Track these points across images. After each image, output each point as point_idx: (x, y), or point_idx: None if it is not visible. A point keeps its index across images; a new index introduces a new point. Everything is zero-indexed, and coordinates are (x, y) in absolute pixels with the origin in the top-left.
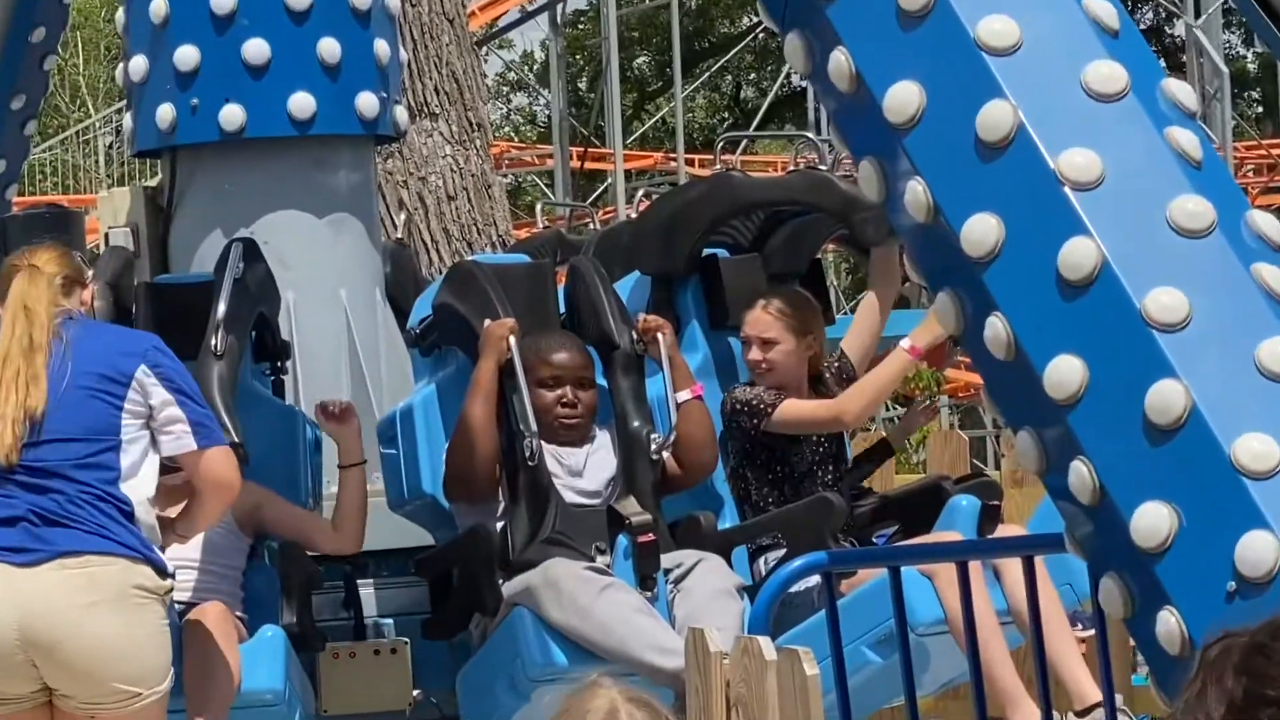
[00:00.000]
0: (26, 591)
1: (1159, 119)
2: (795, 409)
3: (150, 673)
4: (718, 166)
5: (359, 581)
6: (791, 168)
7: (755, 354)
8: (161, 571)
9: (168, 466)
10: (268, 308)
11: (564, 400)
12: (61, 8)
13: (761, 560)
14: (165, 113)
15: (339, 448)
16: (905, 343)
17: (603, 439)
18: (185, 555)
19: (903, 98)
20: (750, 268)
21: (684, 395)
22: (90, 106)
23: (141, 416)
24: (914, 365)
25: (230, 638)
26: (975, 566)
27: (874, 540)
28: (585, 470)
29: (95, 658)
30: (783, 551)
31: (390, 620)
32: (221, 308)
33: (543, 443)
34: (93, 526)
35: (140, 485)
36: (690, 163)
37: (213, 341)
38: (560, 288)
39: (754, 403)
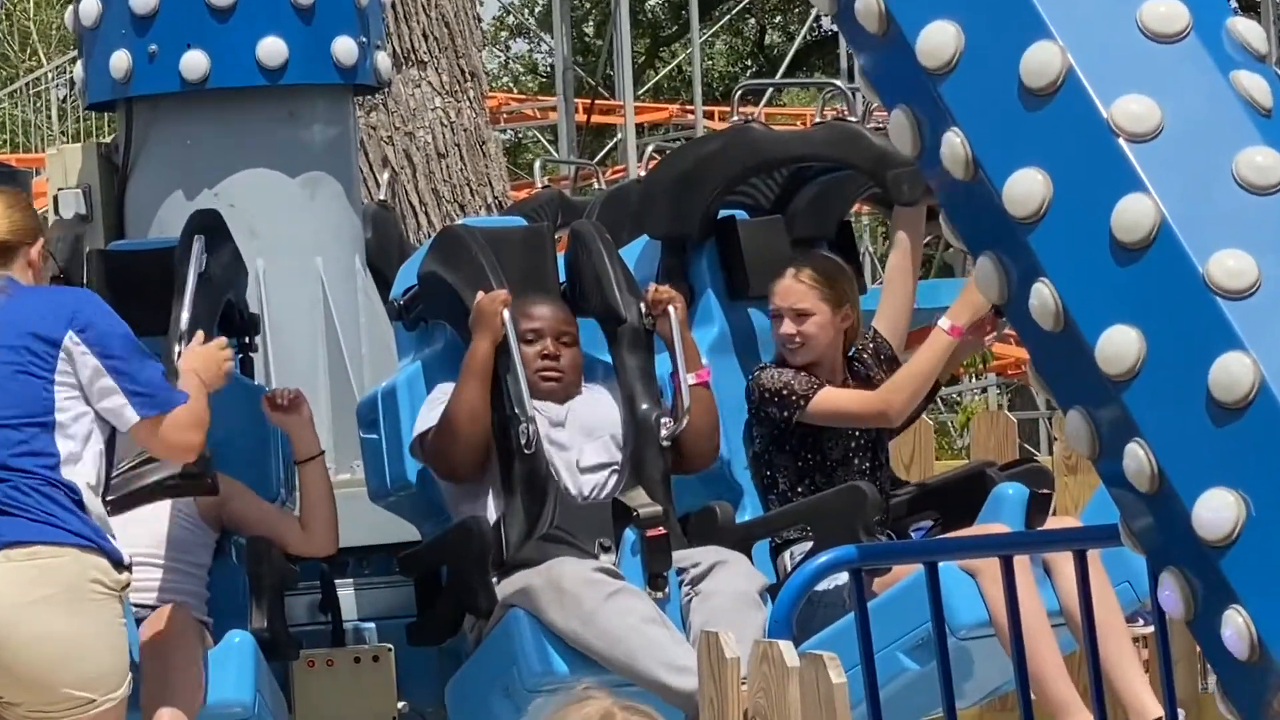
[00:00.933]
0: None
1: (1224, 62)
2: (833, 401)
3: (105, 676)
4: (737, 119)
5: (337, 581)
6: (818, 120)
7: (788, 328)
8: (118, 564)
9: None
10: (235, 292)
11: (545, 353)
12: None
13: (786, 555)
14: (120, 60)
15: (292, 442)
16: (944, 322)
17: (597, 391)
18: (144, 551)
19: (938, 39)
20: (772, 231)
21: (690, 379)
22: (41, 55)
23: (73, 390)
24: (954, 344)
25: (193, 644)
26: (1022, 562)
27: (911, 533)
28: (568, 420)
29: (44, 660)
30: (809, 545)
31: (372, 624)
32: (185, 314)
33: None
34: (39, 514)
35: (82, 470)
36: (709, 115)
37: (175, 350)
38: (560, 255)
39: (784, 393)
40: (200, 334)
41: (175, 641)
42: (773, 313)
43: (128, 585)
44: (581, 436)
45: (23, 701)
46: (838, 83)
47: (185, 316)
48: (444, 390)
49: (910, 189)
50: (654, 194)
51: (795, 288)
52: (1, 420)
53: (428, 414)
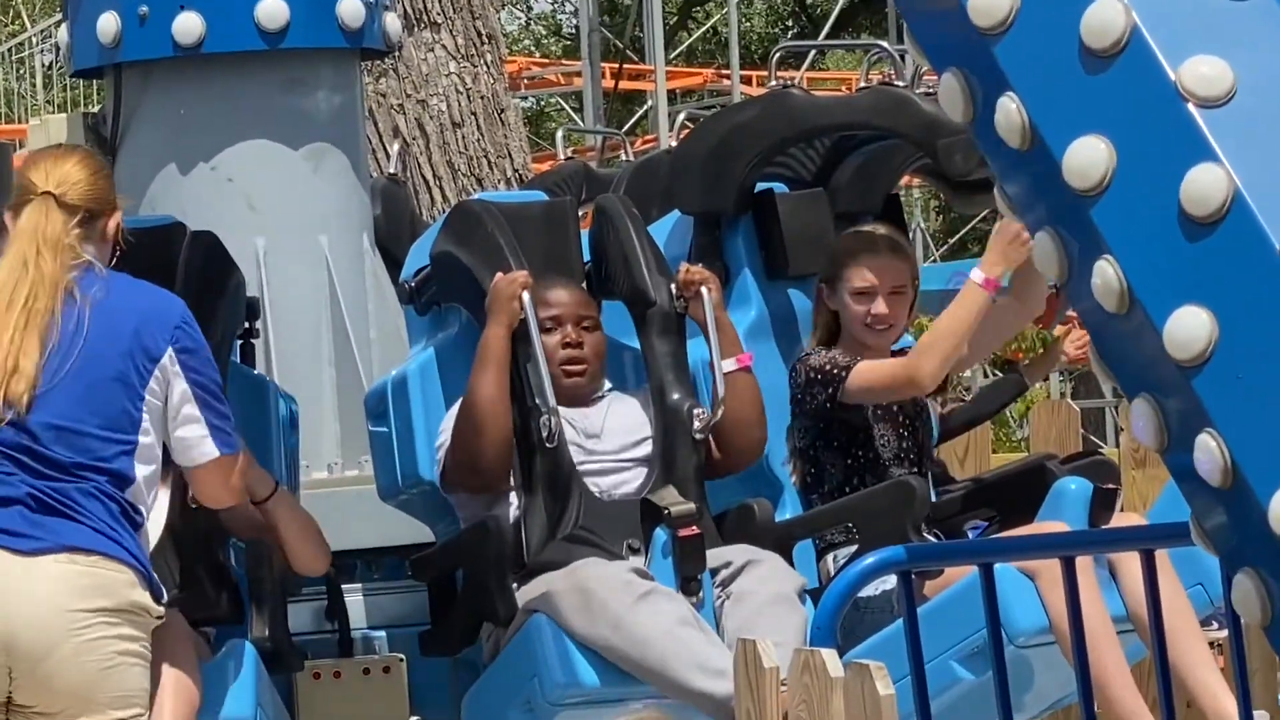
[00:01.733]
0: (19, 585)
1: None
2: (869, 371)
3: (138, 694)
4: (775, 84)
5: (344, 586)
6: (863, 84)
7: (881, 307)
8: (159, 599)
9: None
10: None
11: (566, 341)
12: None
13: (830, 558)
14: (108, 23)
15: None
16: (976, 274)
17: (626, 400)
18: None
19: None
20: (814, 206)
21: (730, 365)
22: (25, 18)
23: (156, 411)
24: (989, 301)
25: (188, 654)
26: (1085, 563)
27: (966, 533)
28: (604, 431)
29: (88, 672)
30: (854, 548)
31: (382, 633)
32: None
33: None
34: (106, 528)
35: (142, 495)
36: (746, 80)
37: None
38: (585, 232)
39: (828, 367)
40: None
41: (169, 651)
42: (861, 291)
43: (162, 618)
44: (615, 438)
45: (59, 711)
46: (884, 44)
47: None
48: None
49: (964, 160)
50: (686, 166)
51: (897, 265)
52: (89, 426)
53: (448, 425)
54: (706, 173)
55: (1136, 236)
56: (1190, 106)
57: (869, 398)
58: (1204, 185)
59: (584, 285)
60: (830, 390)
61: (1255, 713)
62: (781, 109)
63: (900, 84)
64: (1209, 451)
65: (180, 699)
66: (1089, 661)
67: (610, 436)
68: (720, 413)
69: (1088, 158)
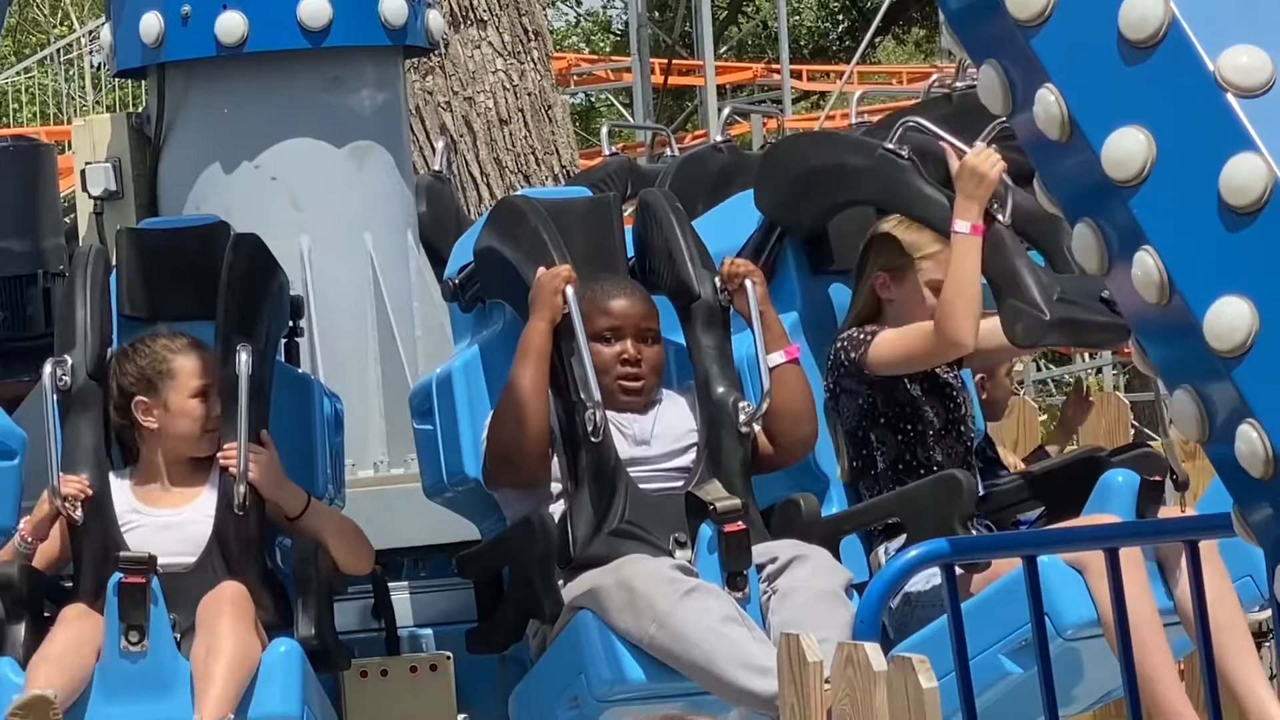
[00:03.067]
0: None
1: None
2: (895, 337)
3: None
4: (894, 142)
5: (391, 584)
6: (933, 82)
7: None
8: None
9: None
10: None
11: (625, 357)
12: None
13: (881, 550)
14: (150, 23)
15: (277, 503)
16: (959, 224)
17: (675, 400)
18: (181, 555)
19: None
20: None
21: (777, 358)
22: (74, 19)
23: None
24: (981, 243)
25: (248, 618)
26: (1132, 555)
27: (1015, 525)
28: (653, 437)
29: None
30: (902, 539)
31: (429, 630)
32: (242, 426)
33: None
34: None
35: None
36: (796, 75)
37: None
38: (629, 228)
39: (853, 334)
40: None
41: (231, 621)
42: (934, 282)
43: None
44: (664, 443)
45: None
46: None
47: (243, 423)
48: None
49: (1024, 331)
50: (778, 171)
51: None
52: None
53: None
54: (794, 191)
55: (1176, 227)
56: (1229, 96)
57: (904, 366)
58: (1243, 175)
59: (644, 291)
60: (851, 356)
61: None
62: (891, 176)
63: (959, 85)
64: (1250, 442)
65: (231, 681)
66: (1134, 654)
67: (659, 441)
68: (765, 405)
69: (1127, 148)
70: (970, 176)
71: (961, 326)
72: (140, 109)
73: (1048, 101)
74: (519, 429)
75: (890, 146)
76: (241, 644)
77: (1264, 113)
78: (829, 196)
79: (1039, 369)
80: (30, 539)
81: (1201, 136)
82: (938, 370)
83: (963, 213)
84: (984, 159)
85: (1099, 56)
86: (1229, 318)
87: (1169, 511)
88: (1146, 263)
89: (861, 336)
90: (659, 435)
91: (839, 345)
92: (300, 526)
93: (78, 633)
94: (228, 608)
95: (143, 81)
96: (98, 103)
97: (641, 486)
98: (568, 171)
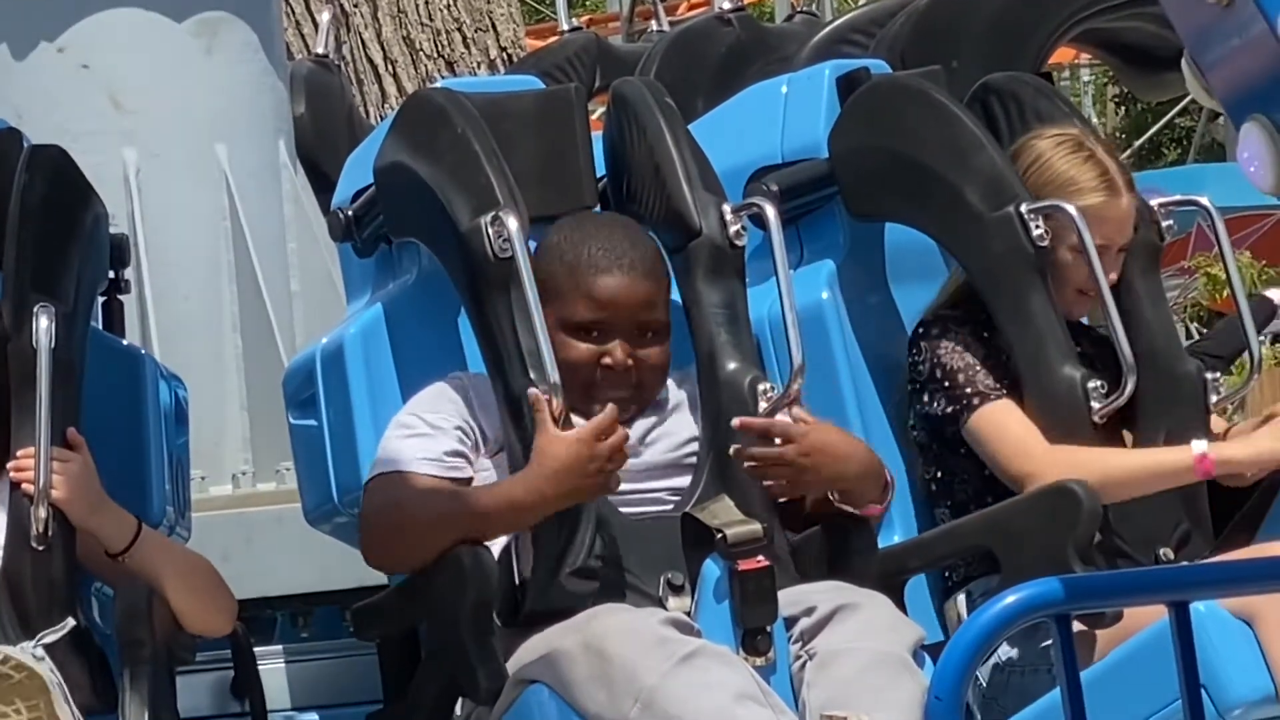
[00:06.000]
0: None
1: None
2: (995, 424)
3: None
4: None
5: (258, 649)
6: None
7: (1109, 265)
8: None
9: None
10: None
11: (608, 363)
12: None
13: (961, 597)
14: None
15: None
16: (1200, 446)
17: (673, 394)
18: None
19: None
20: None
21: None
22: None
23: None
24: (1192, 475)
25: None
26: None
27: (1156, 560)
28: (643, 445)
29: None
30: (994, 583)
31: (314, 716)
32: (43, 414)
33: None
34: None
35: None
36: None
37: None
38: (597, 134)
39: (963, 385)
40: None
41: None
42: (1076, 248)
43: None
44: (657, 449)
45: None
46: None
47: (44, 419)
48: (428, 409)
49: None
50: (880, 128)
51: (1127, 209)
52: None
53: (394, 444)
54: (883, 176)
55: None
56: None
57: (977, 450)
58: None
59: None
60: (952, 410)
61: None
62: (1000, 246)
63: None
64: None
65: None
66: None
67: (650, 449)
68: (797, 386)
69: None
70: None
71: (1050, 479)
72: None
73: None
74: (415, 550)
75: (1022, 213)
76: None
77: None
78: (918, 216)
79: (1189, 335)
80: None
81: None
82: None
83: (1221, 450)
84: None
85: None
86: None
87: None
88: None
89: (970, 398)
90: (650, 442)
91: (947, 365)
92: (126, 566)
93: None
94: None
95: None
96: None
97: (621, 510)
98: (508, 55)
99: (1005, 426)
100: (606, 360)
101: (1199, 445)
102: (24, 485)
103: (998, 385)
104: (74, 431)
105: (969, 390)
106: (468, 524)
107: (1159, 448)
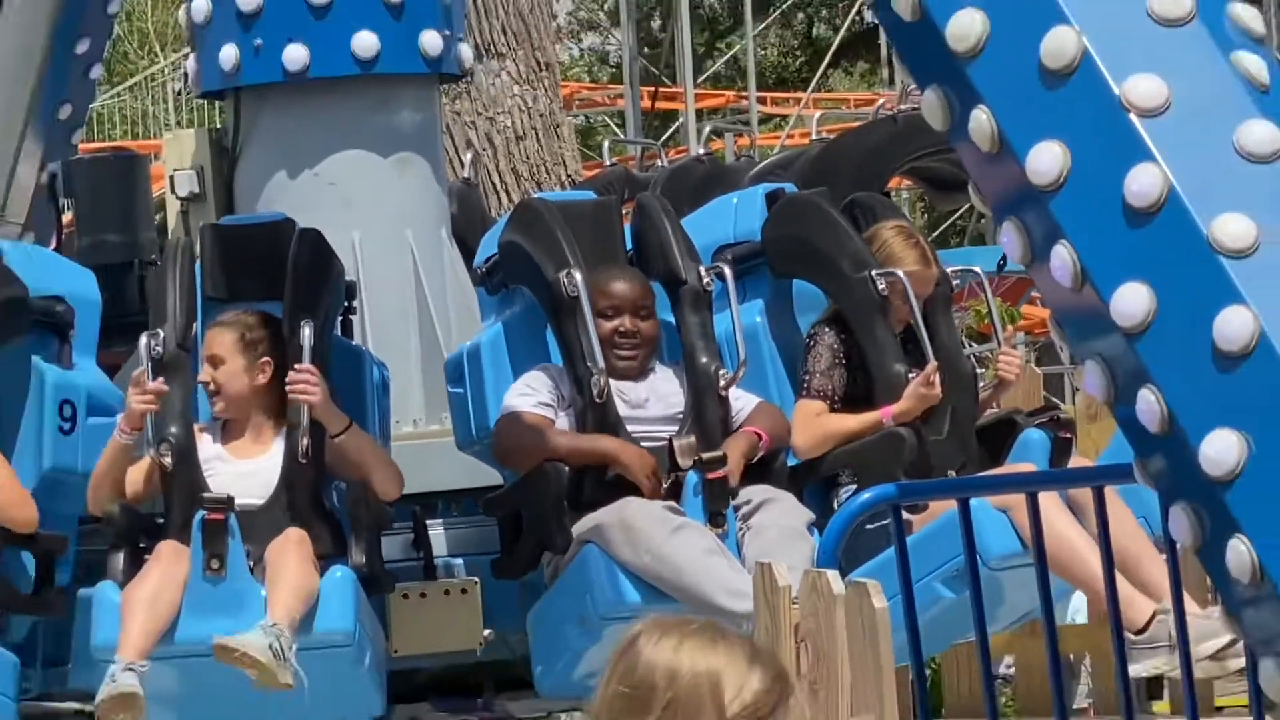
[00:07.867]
0: None
1: (1225, 43)
2: (799, 409)
3: None
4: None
5: (428, 522)
6: (880, 106)
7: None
8: None
9: None
10: (341, 297)
11: (621, 330)
12: None
13: (841, 493)
14: (229, 54)
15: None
16: (888, 410)
17: (666, 373)
18: (254, 497)
19: (966, 25)
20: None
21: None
22: (158, 52)
23: None
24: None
25: (309, 557)
26: (1052, 496)
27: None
28: (648, 403)
29: None
30: (855, 486)
31: (460, 560)
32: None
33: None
34: None
35: None
36: (762, 101)
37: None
38: (627, 226)
39: (805, 380)
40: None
41: (294, 557)
42: (906, 298)
43: None
44: (657, 407)
45: None
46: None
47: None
48: (532, 382)
49: None
50: (793, 228)
51: (934, 273)
52: None
53: (513, 400)
54: (795, 253)
55: (1088, 225)
56: (1132, 116)
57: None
58: (1144, 181)
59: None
60: (800, 390)
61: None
62: (860, 300)
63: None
64: (1149, 403)
65: (296, 598)
66: (1082, 570)
67: (653, 405)
68: (741, 373)
69: (1047, 159)
70: (927, 387)
71: (804, 448)
72: (215, 126)
73: (981, 120)
74: (525, 455)
75: (873, 276)
76: (304, 576)
77: (1161, 129)
78: (812, 275)
79: (965, 345)
80: (128, 429)
81: (1109, 149)
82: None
83: (900, 408)
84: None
85: (1024, 82)
86: (1132, 300)
87: (1076, 463)
88: (1063, 254)
89: (804, 382)
90: (652, 400)
91: (809, 344)
92: (343, 446)
93: (166, 571)
94: (293, 547)
95: (219, 103)
96: (178, 122)
97: (631, 424)
98: (573, 180)
99: (801, 411)
100: (621, 328)
101: (887, 412)
102: (298, 397)
103: (820, 387)
104: (312, 366)
105: (804, 383)
106: (551, 449)
107: (862, 417)
